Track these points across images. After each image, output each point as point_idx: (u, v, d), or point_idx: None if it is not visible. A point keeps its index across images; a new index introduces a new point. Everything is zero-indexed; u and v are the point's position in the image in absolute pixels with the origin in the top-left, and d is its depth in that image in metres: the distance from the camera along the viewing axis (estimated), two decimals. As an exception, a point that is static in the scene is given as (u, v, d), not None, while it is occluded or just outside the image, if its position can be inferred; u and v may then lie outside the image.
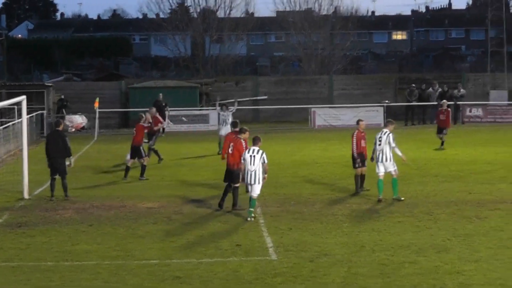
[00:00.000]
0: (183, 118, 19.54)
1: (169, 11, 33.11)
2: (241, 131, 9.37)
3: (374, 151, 10.02)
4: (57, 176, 10.53)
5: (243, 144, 9.14)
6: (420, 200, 10.14)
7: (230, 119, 14.18)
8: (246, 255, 7.40)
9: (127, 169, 12.33)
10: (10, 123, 16.15)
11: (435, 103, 22.67)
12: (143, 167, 12.25)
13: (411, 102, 22.39)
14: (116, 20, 58.15)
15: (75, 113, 21.92)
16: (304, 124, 22.23)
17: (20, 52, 38.98)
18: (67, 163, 10.56)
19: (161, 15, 33.72)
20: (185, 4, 32.73)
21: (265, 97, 24.62)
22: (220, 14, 31.67)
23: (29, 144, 13.72)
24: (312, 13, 31.16)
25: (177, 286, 6.44)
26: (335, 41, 31.00)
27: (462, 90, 22.85)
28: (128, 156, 12.49)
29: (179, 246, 7.82)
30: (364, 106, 22.47)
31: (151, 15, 36.14)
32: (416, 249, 7.49)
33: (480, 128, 20.02)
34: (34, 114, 19.65)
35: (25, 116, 11.26)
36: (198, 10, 31.70)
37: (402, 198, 9.94)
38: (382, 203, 9.91)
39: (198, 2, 31.23)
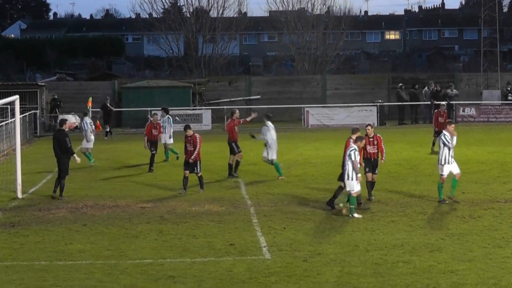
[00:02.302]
0: (177, 118, 19.48)
1: (162, 10, 33.06)
2: (353, 131, 9.66)
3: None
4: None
5: (350, 142, 9.41)
6: (414, 199, 10.17)
7: (168, 127, 13.87)
8: (239, 254, 7.38)
9: (233, 165, 11.87)
10: (3, 123, 15.96)
11: (428, 102, 22.92)
12: (236, 163, 12.02)
13: (406, 99, 22.31)
14: (109, 20, 57.88)
15: (68, 112, 21.79)
16: (297, 124, 22.24)
17: (12, 52, 38.66)
18: (77, 160, 10.45)
19: (154, 15, 33.63)
20: (178, 4, 32.67)
21: (258, 96, 24.61)
22: (213, 13, 31.67)
23: (22, 144, 13.71)
24: (305, 13, 31.20)
25: (170, 286, 6.41)
26: (328, 41, 31.03)
27: (454, 90, 22.98)
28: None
29: (172, 245, 7.79)
30: (357, 105, 22.48)
31: (144, 15, 36.03)
32: (410, 249, 7.50)
33: (473, 128, 20.10)
34: (27, 113, 19.58)
35: (18, 116, 11.19)
36: (191, 9, 31.66)
37: (458, 201, 9.66)
38: (376, 202, 9.93)
39: (191, 1, 31.17)
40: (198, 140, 10.78)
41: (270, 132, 11.64)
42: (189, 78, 25.91)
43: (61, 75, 31.23)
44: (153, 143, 13.13)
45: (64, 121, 10.97)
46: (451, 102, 22.40)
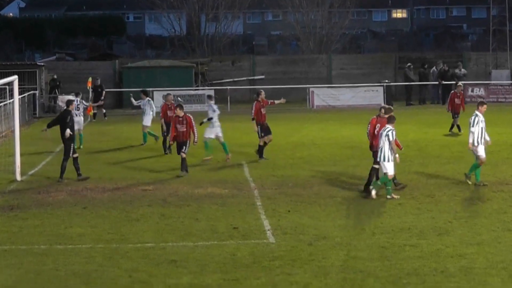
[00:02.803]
0: (179, 98, 19.21)
1: (163, -12, 32.34)
2: (386, 111, 9.53)
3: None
4: (76, 156, 10.33)
5: (384, 122, 9.30)
6: (421, 182, 9.99)
7: (148, 109, 13.58)
8: (243, 238, 7.27)
9: (260, 148, 11.63)
10: (2, 104, 15.81)
11: (436, 82, 22.50)
12: (259, 147, 11.70)
13: (413, 79, 21.99)
14: (110, -2, 56.97)
15: (68, 93, 21.55)
16: (302, 105, 21.96)
17: (11, 31, 38.19)
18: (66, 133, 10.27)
19: (156, -7, 32.93)
20: (180, -19, 31.95)
21: (262, 76, 24.26)
22: (216, -9, 30.95)
23: (21, 125, 13.48)
24: (310, -9, 30.51)
25: (172, 270, 6.31)
26: (334, 20, 30.44)
27: (462, 69, 22.53)
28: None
29: (174, 229, 7.67)
30: (363, 86, 22.12)
31: (145, -7, 35.26)
32: (417, 232, 7.37)
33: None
34: (26, 94, 19.35)
35: (17, 97, 11.01)
36: (193, -13, 30.97)
37: (486, 183, 9.46)
38: (380, 186, 9.71)
39: (193, -21, 30.49)
40: (193, 121, 10.51)
41: (216, 112, 11.94)
42: (191, 58, 25.56)
43: (61, 55, 30.82)
44: (168, 124, 12.58)
45: (70, 101, 10.90)
46: (459, 82, 21.97)
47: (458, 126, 14.66)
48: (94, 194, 9.53)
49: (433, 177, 10.28)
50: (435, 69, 22.34)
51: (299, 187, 9.76)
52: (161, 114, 12.90)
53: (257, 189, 9.63)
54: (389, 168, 8.82)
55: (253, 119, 11.75)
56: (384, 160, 8.85)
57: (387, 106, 9.88)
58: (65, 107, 10.81)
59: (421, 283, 5.86)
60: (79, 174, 10.34)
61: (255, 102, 11.88)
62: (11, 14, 51.55)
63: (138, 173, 11.09)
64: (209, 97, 12.55)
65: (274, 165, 11.54)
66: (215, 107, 11.96)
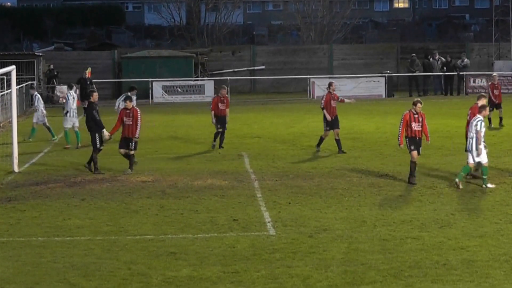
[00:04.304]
0: (178, 89, 19.09)
1: (163, -23, 32.05)
2: (478, 97, 9.47)
3: None
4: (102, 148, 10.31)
5: (476, 110, 9.20)
6: (423, 173, 9.91)
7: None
8: (243, 230, 7.21)
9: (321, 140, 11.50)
10: (-1, 94, 15.75)
11: (439, 73, 22.33)
12: (320, 139, 11.67)
13: (415, 72, 21.92)
14: (109, -13, 56.50)
15: (66, 83, 21.37)
16: (302, 95, 21.87)
17: (9, 20, 37.89)
18: (105, 135, 10.21)
19: (155, -18, 32.70)
20: (179, -30, 31.65)
21: (263, 67, 24.10)
22: (216, -20, 30.70)
23: (18, 116, 13.38)
24: (311, -20, 30.23)
25: (172, 262, 6.26)
26: (335, 9, 30.22)
27: (466, 60, 22.38)
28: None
29: (174, 221, 7.61)
30: (365, 76, 22.06)
31: (145, -18, 35.01)
32: (419, 224, 7.31)
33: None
34: (23, 84, 19.28)
35: (14, 87, 10.90)
36: (193, -24, 30.67)
37: None
38: (384, 176, 9.65)
39: (193, -32, 30.18)
40: (139, 115, 10.02)
41: (70, 101, 12.82)
42: (191, 48, 25.46)
43: (59, 44, 30.62)
44: (219, 118, 12.15)
45: (91, 93, 10.88)
46: (461, 73, 21.82)
47: (489, 120, 14.15)
48: (93, 185, 9.45)
49: (435, 169, 10.20)
50: (433, 59, 22.11)
51: (300, 178, 9.67)
52: (212, 107, 12.30)
53: (257, 181, 9.55)
54: (470, 157, 8.79)
55: (322, 108, 11.54)
56: (470, 149, 8.80)
57: (482, 93, 9.76)
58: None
59: (423, 276, 5.80)
60: (94, 168, 10.21)
61: (327, 93, 11.66)
62: (9, 3, 51.19)
63: (137, 164, 10.95)
64: (70, 86, 13.12)
65: (274, 156, 11.44)
66: (70, 96, 12.67)
